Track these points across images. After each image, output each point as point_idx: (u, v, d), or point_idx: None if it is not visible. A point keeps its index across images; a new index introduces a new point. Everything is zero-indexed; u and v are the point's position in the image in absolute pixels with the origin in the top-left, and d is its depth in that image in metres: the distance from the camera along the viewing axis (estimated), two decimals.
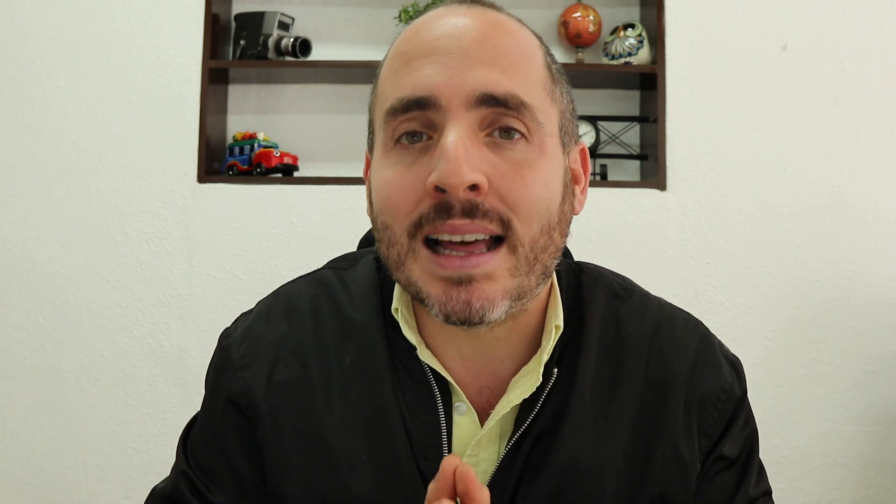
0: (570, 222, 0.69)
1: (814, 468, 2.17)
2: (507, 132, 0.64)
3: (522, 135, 0.64)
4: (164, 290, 2.17)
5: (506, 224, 0.62)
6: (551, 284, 0.74)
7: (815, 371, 2.18)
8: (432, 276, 0.64)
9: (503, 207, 0.62)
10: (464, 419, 0.72)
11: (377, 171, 0.67)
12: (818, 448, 2.17)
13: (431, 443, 0.71)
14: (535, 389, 0.70)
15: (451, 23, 0.66)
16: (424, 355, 0.71)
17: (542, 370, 0.70)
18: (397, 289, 0.74)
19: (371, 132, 0.72)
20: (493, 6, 0.69)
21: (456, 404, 0.72)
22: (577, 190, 0.72)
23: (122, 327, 2.17)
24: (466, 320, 0.63)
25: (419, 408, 0.72)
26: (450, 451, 0.72)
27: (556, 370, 0.71)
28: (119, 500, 2.13)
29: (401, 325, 0.72)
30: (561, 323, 0.72)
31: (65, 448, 2.15)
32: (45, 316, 2.18)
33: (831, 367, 2.18)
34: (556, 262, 0.68)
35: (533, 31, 0.71)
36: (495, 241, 0.63)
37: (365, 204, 0.73)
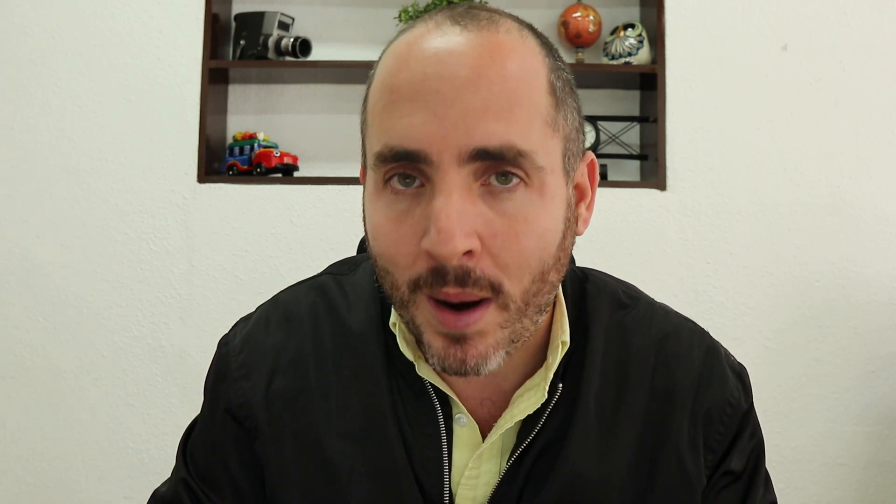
0: (570, 252, 0.68)
1: (814, 468, 2.17)
2: (505, 176, 0.61)
3: (521, 179, 0.61)
4: (164, 290, 2.17)
5: (496, 288, 0.61)
6: (556, 298, 0.72)
7: (815, 371, 2.18)
8: (433, 328, 0.63)
9: (494, 271, 0.61)
10: (464, 431, 0.71)
11: (371, 208, 0.65)
12: (818, 448, 2.17)
13: (431, 456, 0.71)
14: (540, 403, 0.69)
15: (441, 54, 0.60)
16: (423, 371, 0.70)
17: (547, 386, 0.69)
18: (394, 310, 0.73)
19: (363, 143, 0.69)
20: (490, 17, 0.63)
21: (456, 416, 0.71)
22: (583, 207, 0.69)
23: (122, 327, 2.17)
24: (462, 374, 0.63)
25: (419, 420, 0.71)
26: (450, 464, 0.71)
27: (560, 385, 0.71)
28: (119, 500, 2.13)
29: (399, 341, 0.71)
30: (568, 339, 0.71)
31: (65, 448, 2.15)
32: (45, 316, 2.18)
33: (831, 367, 2.18)
34: (555, 292, 0.67)
35: (537, 37, 0.66)
36: (486, 301, 0.62)
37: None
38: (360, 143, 0.69)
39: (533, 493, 0.70)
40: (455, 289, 0.60)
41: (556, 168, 0.63)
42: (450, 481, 0.71)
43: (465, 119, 0.59)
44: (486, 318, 0.62)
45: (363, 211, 0.68)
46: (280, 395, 0.74)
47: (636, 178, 2.35)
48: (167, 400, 2.16)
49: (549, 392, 0.69)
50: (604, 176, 2.27)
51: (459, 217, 0.59)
